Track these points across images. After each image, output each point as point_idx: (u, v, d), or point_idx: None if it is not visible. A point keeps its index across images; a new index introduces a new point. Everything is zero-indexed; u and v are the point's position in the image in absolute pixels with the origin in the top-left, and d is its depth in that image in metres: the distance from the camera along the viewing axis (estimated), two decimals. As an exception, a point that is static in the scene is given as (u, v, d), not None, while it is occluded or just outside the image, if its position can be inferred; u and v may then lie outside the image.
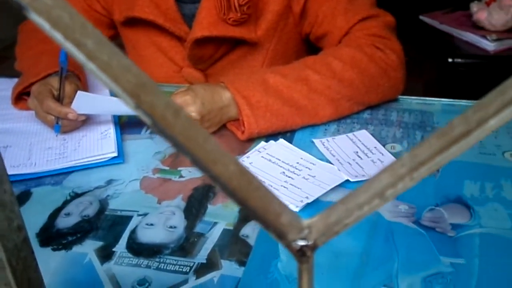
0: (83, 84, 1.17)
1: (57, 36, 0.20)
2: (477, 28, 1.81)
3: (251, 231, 0.83)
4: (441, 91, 1.94)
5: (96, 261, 0.80)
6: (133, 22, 1.23)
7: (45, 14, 0.20)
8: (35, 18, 0.20)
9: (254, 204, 0.22)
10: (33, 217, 0.89)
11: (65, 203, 0.92)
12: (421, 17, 2.02)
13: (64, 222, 0.88)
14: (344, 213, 0.20)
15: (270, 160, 0.97)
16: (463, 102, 1.16)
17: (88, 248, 0.82)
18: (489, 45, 1.74)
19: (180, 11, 1.19)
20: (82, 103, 1.05)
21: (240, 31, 1.15)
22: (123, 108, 1.02)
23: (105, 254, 0.81)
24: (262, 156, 0.98)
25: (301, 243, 0.21)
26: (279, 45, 1.21)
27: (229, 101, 1.04)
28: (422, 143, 0.19)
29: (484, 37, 1.76)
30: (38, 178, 0.99)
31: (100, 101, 1.06)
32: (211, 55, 1.20)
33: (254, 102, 1.02)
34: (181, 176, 0.97)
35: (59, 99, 1.07)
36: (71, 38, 0.20)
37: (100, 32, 0.21)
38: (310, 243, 0.21)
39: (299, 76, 1.05)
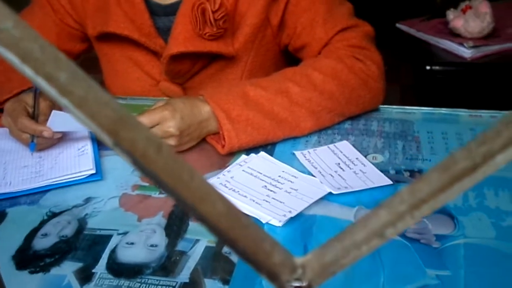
0: (58, 99, 1.14)
1: (27, 71, 0.18)
2: (454, 35, 1.82)
3: (234, 247, 0.82)
4: (419, 98, 1.95)
5: (75, 283, 0.78)
6: (108, 37, 1.21)
7: (13, 47, 0.18)
8: (3, 52, 0.18)
9: (244, 244, 0.20)
10: (9, 239, 0.86)
11: (42, 223, 0.90)
12: (397, 25, 2.02)
13: (41, 243, 0.85)
14: (341, 253, 0.19)
15: (251, 174, 0.96)
16: (443, 110, 1.16)
17: (67, 269, 0.80)
18: (466, 52, 1.74)
19: (155, 25, 1.18)
20: (58, 121, 1.02)
21: (217, 45, 1.13)
22: None
23: (85, 276, 0.79)
24: (243, 170, 0.97)
25: (295, 284, 0.20)
26: (257, 57, 1.20)
27: (209, 115, 1.02)
28: (422, 178, 0.18)
29: (461, 44, 1.77)
30: (13, 198, 0.96)
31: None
32: (189, 70, 1.19)
33: (235, 116, 1.01)
34: (161, 192, 0.95)
35: (33, 116, 1.05)
36: (43, 72, 0.18)
37: (74, 64, 0.20)
38: (304, 284, 0.20)
39: (280, 88, 1.04)
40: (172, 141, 1.00)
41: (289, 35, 1.18)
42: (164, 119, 0.99)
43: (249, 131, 1.01)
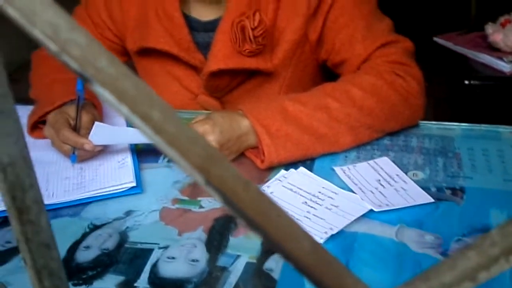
0: (99, 112, 1.16)
1: (123, 110, 0.18)
2: (493, 49, 1.80)
3: (275, 264, 0.82)
4: (454, 113, 1.93)
5: (118, 297, 0.78)
6: (147, 51, 1.22)
7: (110, 86, 0.18)
8: (100, 91, 0.18)
9: (329, 281, 0.20)
10: (52, 251, 0.87)
11: (84, 235, 0.91)
12: (435, 38, 2.00)
13: (84, 255, 0.86)
14: (428, 294, 0.19)
15: (291, 190, 0.95)
16: (484, 127, 1.15)
17: (110, 283, 0.81)
18: (506, 67, 1.72)
19: (194, 40, 1.19)
20: (100, 134, 1.04)
21: (256, 62, 1.14)
22: (140, 138, 1.02)
23: (127, 290, 0.79)
24: (283, 185, 0.97)
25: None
26: (296, 72, 1.20)
27: (248, 129, 1.03)
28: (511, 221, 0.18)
29: (500, 58, 1.75)
30: (56, 210, 0.97)
31: (118, 132, 1.06)
32: (227, 85, 1.19)
33: (274, 131, 1.01)
34: (201, 207, 0.95)
35: (75, 128, 1.06)
36: (138, 111, 0.19)
37: (165, 102, 0.20)
38: (389, 324, 0.20)
39: (319, 104, 1.04)
40: None
41: (328, 51, 1.18)
42: (205, 133, 0.99)
43: (288, 146, 1.01)
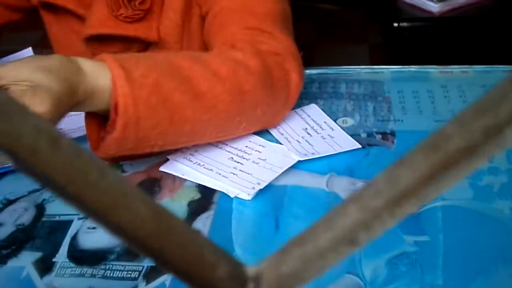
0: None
1: None
2: (421, -11, 1.78)
3: (202, 225, 0.77)
4: (388, 57, 1.91)
5: (35, 275, 0.73)
6: (51, 7, 1.11)
7: None
8: None
9: (176, 255, 0.16)
10: (-38, 231, 0.81)
11: (-3, 212, 0.84)
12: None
13: (-4, 234, 0.80)
14: (301, 263, 0.14)
15: (217, 146, 0.91)
16: (413, 68, 1.12)
17: (25, 260, 0.75)
18: (434, 7, 1.70)
19: None
20: None
21: (135, 29, 0.98)
22: None
23: (45, 266, 0.74)
24: (208, 142, 0.92)
25: (246, 303, 0.16)
26: (191, 48, 1.03)
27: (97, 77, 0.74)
28: (402, 160, 0.14)
29: (428, -2, 1.73)
30: (-35, 187, 0.90)
31: None
32: (115, 52, 0.92)
33: (137, 76, 0.75)
34: (123, 171, 0.90)
35: None
36: None
37: None
38: (258, 302, 0.15)
39: (195, 56, 0.87)
40: None
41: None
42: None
43: (153, 101, 0.75)
